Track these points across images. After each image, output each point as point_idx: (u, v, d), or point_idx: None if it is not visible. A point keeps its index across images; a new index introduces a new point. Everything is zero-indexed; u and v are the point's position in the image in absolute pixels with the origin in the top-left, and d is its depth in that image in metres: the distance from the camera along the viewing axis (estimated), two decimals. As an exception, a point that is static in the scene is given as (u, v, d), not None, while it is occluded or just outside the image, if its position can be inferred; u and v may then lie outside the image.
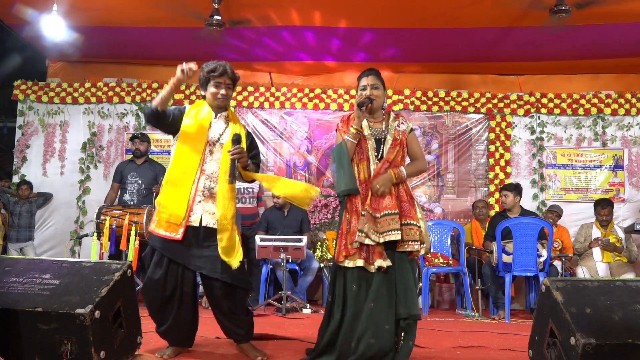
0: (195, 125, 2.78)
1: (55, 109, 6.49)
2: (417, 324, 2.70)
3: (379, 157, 2.77)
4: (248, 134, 2.94)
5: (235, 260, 2.68)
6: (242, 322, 2.82)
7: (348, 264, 2.69)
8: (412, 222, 2.71)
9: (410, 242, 2.68)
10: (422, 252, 2.74)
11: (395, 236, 2.65)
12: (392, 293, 2.66)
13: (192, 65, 2.67)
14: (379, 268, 2.65)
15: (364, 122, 2.81)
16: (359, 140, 2.77)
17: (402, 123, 2.87)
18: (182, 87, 6.48)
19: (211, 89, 2.81)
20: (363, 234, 2.64)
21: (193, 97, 6.45)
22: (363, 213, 2.67)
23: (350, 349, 2.61)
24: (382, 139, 2.80)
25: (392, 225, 2.66)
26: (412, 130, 2.89)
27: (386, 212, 2.67)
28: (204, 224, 2.71)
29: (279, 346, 3.12)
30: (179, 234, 2.67)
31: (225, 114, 2.88)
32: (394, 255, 2.69)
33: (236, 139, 2.71)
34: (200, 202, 2.72)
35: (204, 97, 2.89)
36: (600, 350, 1.94)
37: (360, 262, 2.66)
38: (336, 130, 2.91)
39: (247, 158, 2.76)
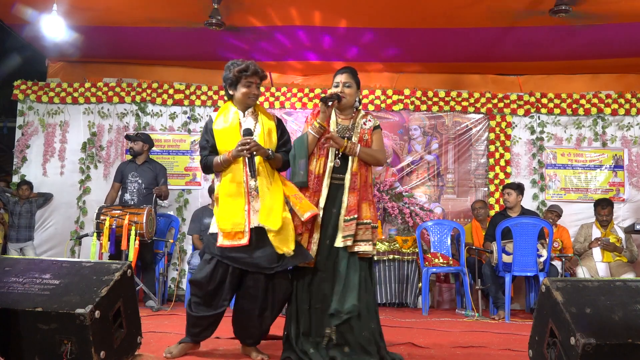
0: (227, 131, 2.82)
1: (55, 109, 6.49)
2: (360, 322, 2.68)
3: (340, 156, 2.79)
4: (279, 123, 2.96)
5: (289, 247, 2.68)
6: (258, 334, 2.86)
7: None
8: (367, 221, 2.76)
9: (361, 243, 2.73)
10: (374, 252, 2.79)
11: (366, 247, 2.73)
12: (331, 291, 2.70)
13: (249, 141, 2.71)
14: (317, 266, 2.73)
15: (332, 118, 2.84)
16: (323, 136, 2.80)
17: (369, 120, 2.90)
18: (182, 87, 6.49)
19: (242, 89, 2.83)
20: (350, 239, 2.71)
21: (193, 97, 6.45)
22: (347, 218, 2.71)
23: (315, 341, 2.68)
24: (345, 137, 2.82)
25: (366, 235, 2.74)
26: (377, 127, 2.91)
27: (365, 221, 2.75)
28: (255, 224, 2.73)
29: (279, 346, 3.11)
30: (244, 239, 2.69)
31: (252, 109, 2.90)
32: (338, 252, 2.73)
33: (247, 133, 2.74)
34: (250, 202, 2.75)
35: (230, 97, 2.91)
36: (600, 350, 1.94)
37: None
38: (305, 121, 2.95)
39: (263, 148, 2.76)
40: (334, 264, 2.74)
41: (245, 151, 2.69)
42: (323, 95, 2.81)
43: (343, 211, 2.74)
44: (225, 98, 3.01)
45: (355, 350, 2.64)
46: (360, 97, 3.00)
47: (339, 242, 2.71)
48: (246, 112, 2.88)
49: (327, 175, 2.78)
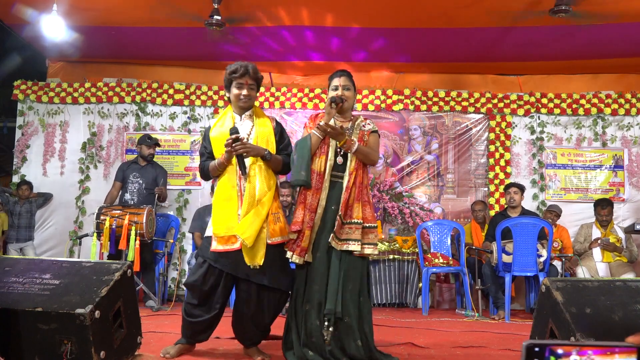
0: (221, 136, 2.79)
1: (55, 109, 6.49)
2: (344, 322, 2.67)
3: (341, 153, 2.80)
4: (277, 126, 2.93)
5: (255, 261, 2.67)
6: (255, 335, 2.84)
7: (288, 254, 2.77)
8: (355, 221, 2.75)
9: (366, 245, 2.74)
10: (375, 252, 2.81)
11: (355, 246, 2.71)
12: (323, 289, 2.70)
13: (236, 137, 2.68)
14: (309, 262, 2.72)
15: (332, 121, 2.82)
16: (325, 137, 2.81)
17: (369, 124, 2.93)
18: (182, 87, 6.49)
19: (234, 91, 2.82)
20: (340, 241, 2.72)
21: (193, 97, 6.45)
22: (346, 221, 2.72)
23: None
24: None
25: (354, 235, 2.73)
26: (374, 131, 2.93)
27: (354, 221, 2.74)
28: None
29: (279, 346, 3.11)
30: (237, 243, 2.67)
31: (250, 112, 2.89)
32: (332, 251, 2.72)
33: (233, 132, 2.70)
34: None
35: (229, 100, 2.91)
36: (600, 350, 1.94)
37: (289, 254, 2.74)
38: (304, 127, 2.94)
39: (256, 148, 2.74)
40: (328, 263, 2.73)
41: (230, 148, 2.65)
42: (331, 96, 2.81)
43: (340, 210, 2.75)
44: (226, 100, 3.01)
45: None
46: (356, 99, 3.03)
47: (329, 239, 2.72)
48: (243, 116, 2.87)
49: (327, 173, 2.78)
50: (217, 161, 2.77)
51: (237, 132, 2.71)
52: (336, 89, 2.85)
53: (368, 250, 2.75)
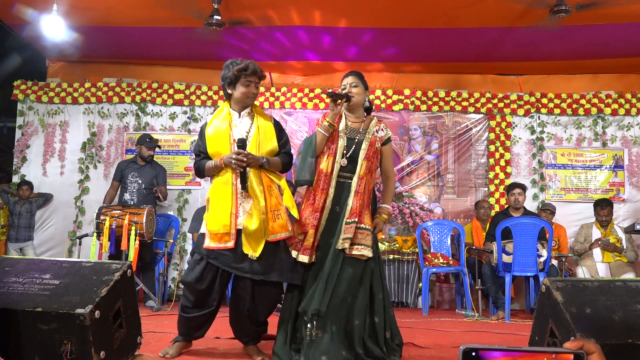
0: (216, 135, 2.80)
1: (55, 109, 6.49)
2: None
3: (348, 156, 2.79)
4: (276, 124, 2.93)
5: (251, 251, 2.67)
6: (252, 331, 2.84)
7: (293, 254, 2.77)
8: (366, 226, 2.76)
9: (360, 246, 2.72)
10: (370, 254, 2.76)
11: (367, 252, 2.72)
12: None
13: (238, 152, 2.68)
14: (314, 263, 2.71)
15: (342, 120, 2.83)
16: (332, 135, 2.80)
17: (382, 130, 2.88)
18: (182, 87, 6.48)
19: (241, 88, 2.80)
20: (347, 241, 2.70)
21: (193, 97, 6.45)
22: (348, 221, 2.70)
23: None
24: (356, 140, 2.82)
25: (366, 240, 2.73)
26: (389, 140, 2.90)
27: (366, 227, 2.75)
28: (241, 226, 2.71)
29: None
30: (230, 242, 2.67)
31: (248, 110, 2.87)
32: (336, 253, 2.70)
33: (241, 145, 2.70)
34: (241, 204, 2.73)
35: (229, 96, 2.88)
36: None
37: (294, 253, 2.74)
38: (317, 124, 2.92)
39: (258, 160, 2.73)
40: (326, 263, 2.71)
41: (236, 165, 2.66)
42: (330, 91, 2.78)
43: (347, 213, 2.73)
44: (225, 98, 2.97)
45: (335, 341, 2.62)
46: (370, 99, 2.98)
47: (339, 244, 2.69)
48: (242, 113, 2.86)
49: (334, 175, 2.77)
50: (214, 163, 2.77)
51: (245, 145, 2.71)
52: (344, 87, 2.85)
53: (369, 252, 2.75)
